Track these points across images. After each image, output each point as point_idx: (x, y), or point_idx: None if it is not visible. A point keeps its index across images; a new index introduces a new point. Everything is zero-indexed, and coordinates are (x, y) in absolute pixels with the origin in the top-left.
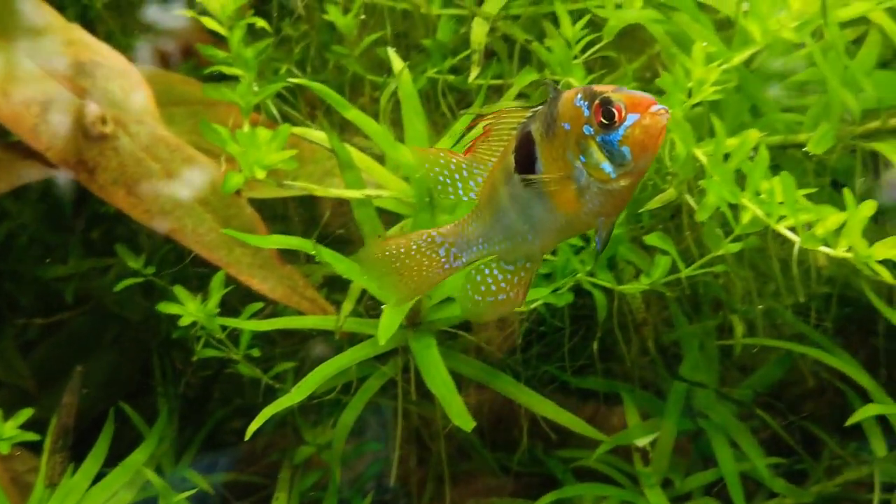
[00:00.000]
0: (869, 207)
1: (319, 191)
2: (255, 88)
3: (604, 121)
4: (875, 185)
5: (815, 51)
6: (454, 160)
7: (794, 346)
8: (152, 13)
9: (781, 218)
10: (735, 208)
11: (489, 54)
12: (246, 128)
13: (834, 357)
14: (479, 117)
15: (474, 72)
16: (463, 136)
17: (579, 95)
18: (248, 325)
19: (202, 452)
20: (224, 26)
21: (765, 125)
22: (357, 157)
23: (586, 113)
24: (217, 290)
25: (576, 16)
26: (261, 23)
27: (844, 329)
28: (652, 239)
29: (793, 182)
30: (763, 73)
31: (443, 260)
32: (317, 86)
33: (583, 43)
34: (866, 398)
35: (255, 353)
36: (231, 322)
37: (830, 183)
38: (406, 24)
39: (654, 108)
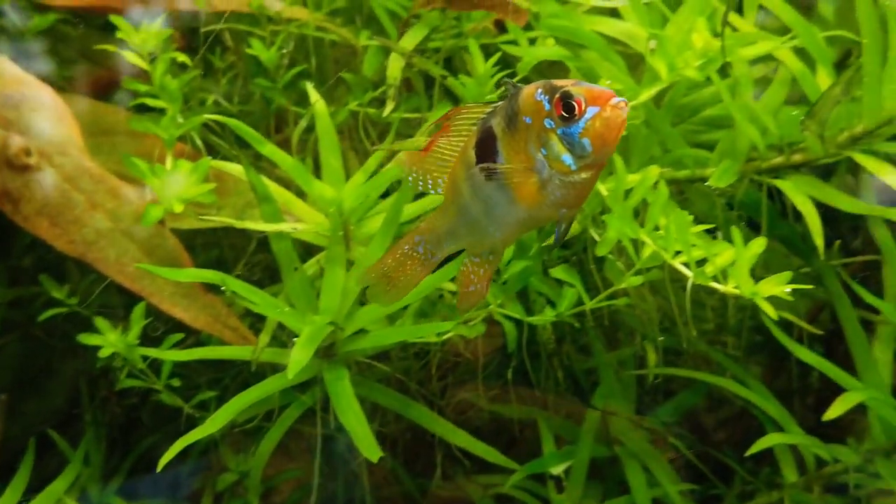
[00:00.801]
0: (759, 244)
1: (237, 224)
2: (180, 120)
3: (564, 114)
4: None
5: (722, 88)
6: (426, 161)
7: (704, 375)
8: (91, 41)
9: (678, 254)
10: (637, 243)
11: (410, 87)
12: (169, 160)
13: (741, 386)
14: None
15: (389, 106)
16: (376, 171)
17: (539, 90)
18: (168, 355)
19: (128, 479)
20: (145, 60)
21: (673, 160)
22: (275, 190)
23: (547, 107)
24: (137, 322)
25: (492, 51)
26: (181, 58)
27: (758, 356)
28: (558, 272)
29: (687, 220)
30: (672, 108)
31: (422, 257)
32: (232, 121)
33: (496, 78)
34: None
35: (176, 382)
36: (151, 352)
37: (738, 216)
38: (336, 54)
39: (613, 101)
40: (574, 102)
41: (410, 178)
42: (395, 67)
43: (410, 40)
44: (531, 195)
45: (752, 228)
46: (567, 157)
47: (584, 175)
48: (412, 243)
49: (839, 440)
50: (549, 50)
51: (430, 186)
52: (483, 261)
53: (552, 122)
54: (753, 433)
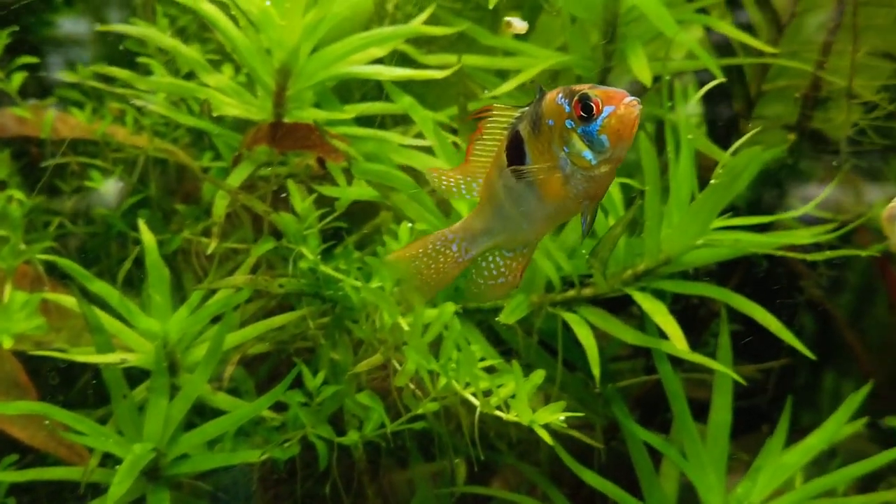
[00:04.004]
0: (538, 376)
1: (70, 356)
2: (22, 247)
3: (583, 114)
4: None
5: None
6: (453, 177)
7: (509, 494)
8: None
9: (468, 384)
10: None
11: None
12: (7, 290)
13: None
14: None
15: (213, 242)
16: (198, 307)
17: (560, 94)
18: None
19: None
20: None
21: None
22: (106, 320)
23: (567, 109)
24: None
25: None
26: (18, 194)
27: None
28: (362, 397)
29: (473, 354)
30: None
31: (456, 255)
32: (61, 260)
33: (316, 214)
34: None
35: (11, 502)
36: None
37: (538, 342)
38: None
39: (627, 101)
40: (592, 103)
41: (444, 186)
42: (220, 206)
43: (237, 177)
44: (557, 190)
45: (552, 353)
46: (588, 154)
47: (603, 169)
48: (445, 241)
49: None
50: (362, 190)
51: (464, 192)
52: (517, 255)
53: (572, 123)
54: None
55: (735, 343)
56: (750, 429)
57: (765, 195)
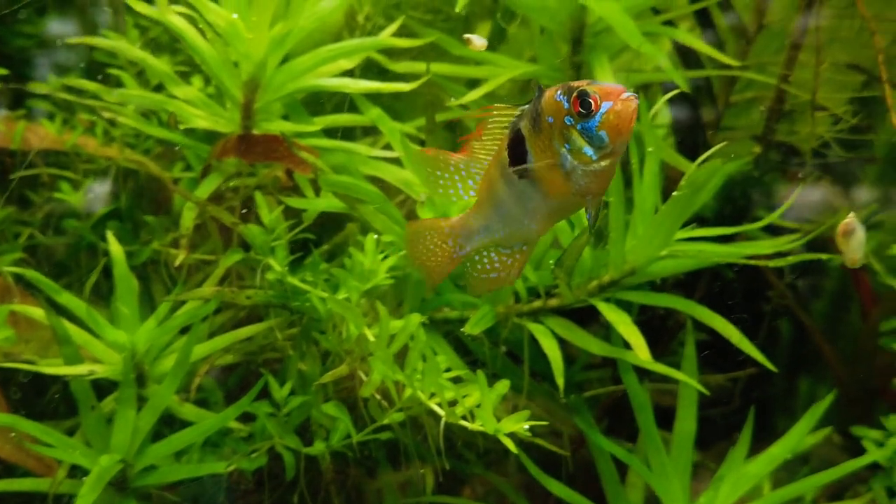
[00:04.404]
0: (503, 385)
1: (38, 368)
2: None
3: (581, 111)
4: None
5: None
6: (453, 160)
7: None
8: None
9: (433, 395)
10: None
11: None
12: None
13: None
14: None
15: (182, 254)
16: (166, 318)
17: (559, 91)
18: None
19: None
20: None
21: (444, 302)
22: (74, 332)
23: (566, 106)
24: None
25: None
26: None
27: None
28: (328, 408)
29: (438, 365)
30: None
31: (451, 250)
32: (28, 272)
33: (284, 226)
34: None
35: None
36: None
37: (505, 353)
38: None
39: (624, 96)
40: (590, 100)
41: (440, 189)
42: (188, 217)
43: (206, 188)
44: (559, 187)
45: (520, 363)
46: (588, 149)
47: (604, 164)
48: (440, 233)
49: None
50: (329, 202)
51: (461, 192)
52: (514, 251)
53: (572, 119)
54: None
55: (706, 351)
56: (723, 437)
57: (731, 205)
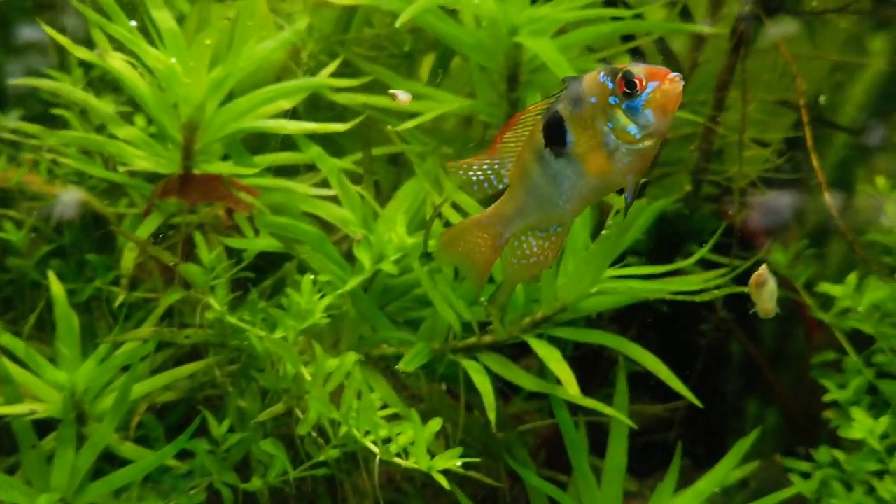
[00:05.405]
0: (436, 423)
1: None
2: None
3: (627, 90)
4: None
5: (423, 277)
6: (478, 164)
7: None
8: None
9: (368, 433)
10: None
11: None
12: None
13: None
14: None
15: (122, 294)
16: (106, 357)
17: (602, 74)
18: None
19: None
20: None
21: (380, 339)
22: (15, 371)
23: (610, 86)
24: None
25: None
26: None
27: None
28: (266, 445)
29: (373, 403)
30: (377, 293)
31: (492, 239)
32: None
33: (224, 265)
34: None
35: None
36: None
37: (446, 387)
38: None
39: (670, 76)
40: (635, 80)
41: (475, 186)
42: (128, 258)
43: (147, 228)
44: (601, 166)
45: (455, 397)
46: (632, 128)
47: (647, 143)
48: (478, 226)
49: None
50: (267, 241)
51: (493, 182)
52: (550, 234)
53: (617, 99)
54: None
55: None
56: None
57: (664, 241)
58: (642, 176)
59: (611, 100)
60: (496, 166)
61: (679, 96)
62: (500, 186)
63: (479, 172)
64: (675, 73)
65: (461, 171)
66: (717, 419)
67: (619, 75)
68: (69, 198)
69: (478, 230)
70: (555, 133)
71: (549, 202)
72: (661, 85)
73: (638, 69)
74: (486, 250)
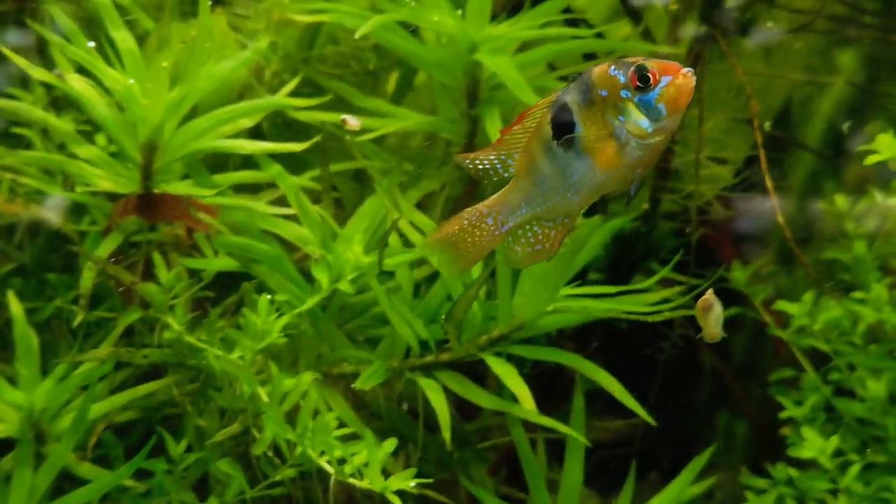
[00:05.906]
0: (391, 444)
1: None
2: None
3: (640, 84)
4: None
5: (381, 295)
6: (485, 155)
7: None
8: None
9: (323, 453)
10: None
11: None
12: None
13: None
14: None
15: (80, 314)
16: (64, 377)
17: (612, 67)
18: None
19: None
20: None
21: (339, 358)
22: None
23: (622, 80)
24: None
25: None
26: None
27: None
28: (223, 464)
29: (328, 423)
30: (335, 312)
31: (492, 228)
32: None
33: (182, 285)
34: None
35: None
36: None
37: (407, 406)
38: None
39: (684, 71)
40: (648, 74)
41: (490, 171)
42: (87, 277)
43: (106, 247)
44: (610, 159)
45: (415, 416)
46: (644, 122)
47: (658, 138)
48: (480, 216)
49: None
50: (225, 261)
51: (500, 171)
52: (556, 224)
53: (629, 93)
54: None
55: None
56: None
57: (622, 259)
58: (650, 168)
59: (622, 93)
60: (503, 157)
61: (692, 91)
62: (506, 175)
63: (486, 162)
64: (688, 69)
65: (468, 161)
66: (686, 432)
67: (632, 69)
68: (30, 216)
69: (477, 219)
70: (563, 126)
71: (557, 194)
72: (675, 79)
73: (651, 63)
74: (483, 240)
